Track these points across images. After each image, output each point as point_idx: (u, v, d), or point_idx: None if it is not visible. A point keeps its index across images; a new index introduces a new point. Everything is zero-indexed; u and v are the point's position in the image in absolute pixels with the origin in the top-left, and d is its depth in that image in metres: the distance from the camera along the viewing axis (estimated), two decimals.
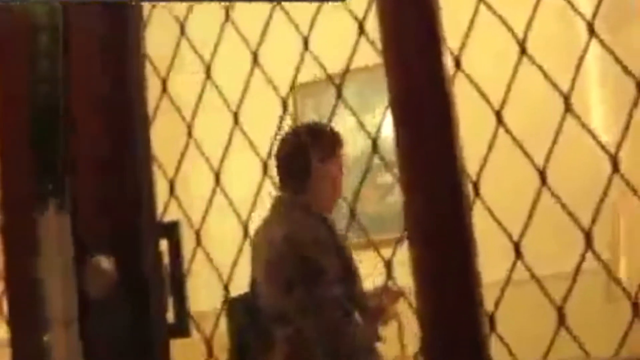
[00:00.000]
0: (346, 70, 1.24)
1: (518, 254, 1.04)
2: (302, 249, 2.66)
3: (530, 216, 1.05)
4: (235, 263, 1.25)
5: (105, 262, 1.24)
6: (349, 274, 2.80)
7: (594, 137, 1.24)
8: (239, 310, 2.71)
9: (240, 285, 1.29)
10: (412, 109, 1.01)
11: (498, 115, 1.09)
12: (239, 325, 2.75)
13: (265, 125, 1.43)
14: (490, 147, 1.07)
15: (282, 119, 1.32)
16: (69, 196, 1.33)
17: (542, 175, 1.07)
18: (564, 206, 1.09)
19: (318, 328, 2.61)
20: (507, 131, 1.09)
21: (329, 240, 2.75)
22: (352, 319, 2.68)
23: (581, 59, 1.09)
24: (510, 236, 1.05)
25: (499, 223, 1.07)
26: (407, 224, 1.02)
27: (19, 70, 1.44)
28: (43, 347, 1.33)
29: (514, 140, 1.10)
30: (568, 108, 1.08)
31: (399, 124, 1.02)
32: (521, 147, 1.09)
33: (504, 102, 1.08)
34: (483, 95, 1.10)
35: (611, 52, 1.16)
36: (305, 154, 2.81)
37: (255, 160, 1.30)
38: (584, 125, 1.17)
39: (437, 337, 0.96)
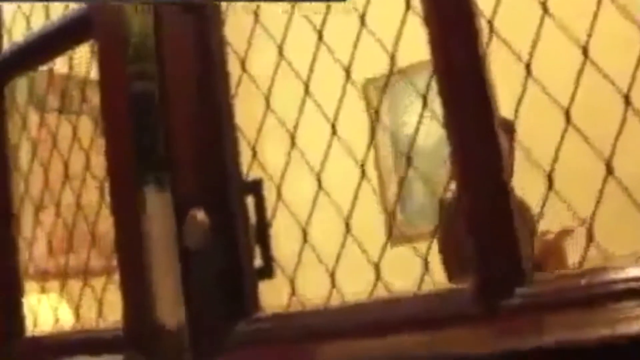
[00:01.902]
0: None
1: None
2: None
3: None
4: (311, 213, 1.44)
5: (201, 215, 1.45)
6: None
7: None
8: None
9: (318, 233, 1.47)
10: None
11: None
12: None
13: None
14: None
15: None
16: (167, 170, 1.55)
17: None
18: None
19: None
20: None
21: None
22: None
23: None
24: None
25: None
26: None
27: (118, 67, 1.67)
28: (150, 292, 1.55)
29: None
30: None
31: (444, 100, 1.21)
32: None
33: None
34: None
35: None
36: None
37: (325, 125, 1.49)
38: None
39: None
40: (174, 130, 1.52)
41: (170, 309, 1.54)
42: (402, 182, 4.46)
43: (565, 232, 2.91)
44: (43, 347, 1.86)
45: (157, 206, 1.58)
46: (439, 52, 1.24)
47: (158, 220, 1.59)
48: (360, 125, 1.45)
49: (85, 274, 2.01)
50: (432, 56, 1.24)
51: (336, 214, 1.50)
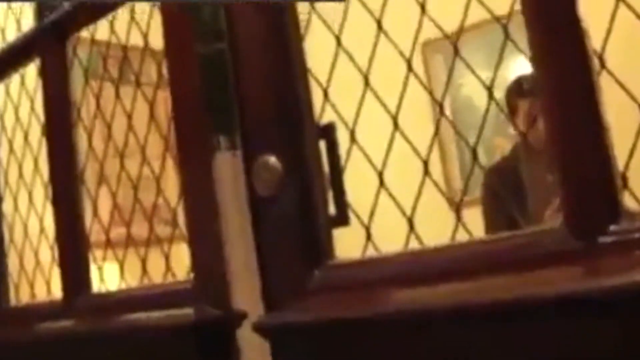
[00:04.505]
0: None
1: None
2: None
3: None
4: (387, 156, 1.38)
5: (272, 160, 1.40)
6: None
7: None
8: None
9: (390, 176, 1.41)
10: None
11: None
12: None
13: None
14: None
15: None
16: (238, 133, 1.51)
17: None
18: None
19: None
20: None
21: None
22: None
23: None
24: None
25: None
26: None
27: (184, 27, 1.63)
28: (219, 243, 1.51)
29: None
30: None
31: None
32: None
33: None
34: None
35: None
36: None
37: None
38: None
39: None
40: (244, 76, 1.47)
41: (241, 259, 1.51)
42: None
43: None
44: (109, 302, 1.83)
45: (227, 164, 1.55)
46: None
47: (227, 173, 1.56)
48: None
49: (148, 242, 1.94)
50: None
51: (408, 161, 1.44)
